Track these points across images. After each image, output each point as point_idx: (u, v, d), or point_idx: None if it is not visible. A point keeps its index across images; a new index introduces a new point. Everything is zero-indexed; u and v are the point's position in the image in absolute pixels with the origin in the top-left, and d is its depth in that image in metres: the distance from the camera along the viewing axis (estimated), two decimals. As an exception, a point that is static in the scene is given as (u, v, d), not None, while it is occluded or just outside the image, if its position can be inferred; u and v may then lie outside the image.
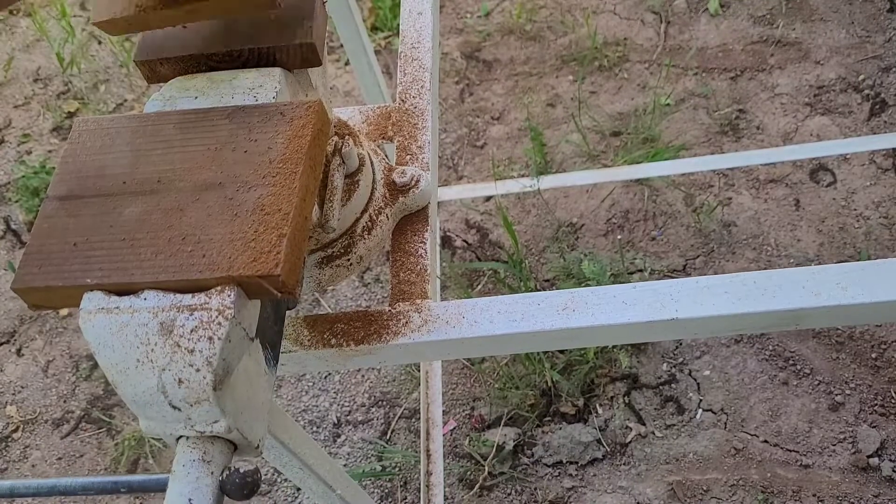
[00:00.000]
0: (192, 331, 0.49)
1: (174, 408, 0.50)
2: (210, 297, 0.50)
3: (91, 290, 0.51)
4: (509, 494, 1.67)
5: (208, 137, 0.57)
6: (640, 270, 1.93)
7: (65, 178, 0.57)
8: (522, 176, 2.13)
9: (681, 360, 1.79)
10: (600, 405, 1.76)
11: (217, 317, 0.49)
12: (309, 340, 0.70)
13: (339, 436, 1.81)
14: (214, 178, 0.55)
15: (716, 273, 1.85)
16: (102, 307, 0.50)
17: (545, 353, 1.78)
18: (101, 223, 0.54)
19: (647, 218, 2.02)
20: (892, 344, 1.75)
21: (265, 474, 1.77)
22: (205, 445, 0.51)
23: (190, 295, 0.50)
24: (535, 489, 1.67)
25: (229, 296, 0.49)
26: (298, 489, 1.75)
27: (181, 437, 0.52)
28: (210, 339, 0.49)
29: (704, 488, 1.63)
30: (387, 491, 1.73)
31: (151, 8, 0.63)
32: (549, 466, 1.69)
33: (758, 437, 1.67)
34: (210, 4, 0.63)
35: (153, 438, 1.81)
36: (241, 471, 0.49)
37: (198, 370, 0.49)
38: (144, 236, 0.52)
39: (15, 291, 0.52)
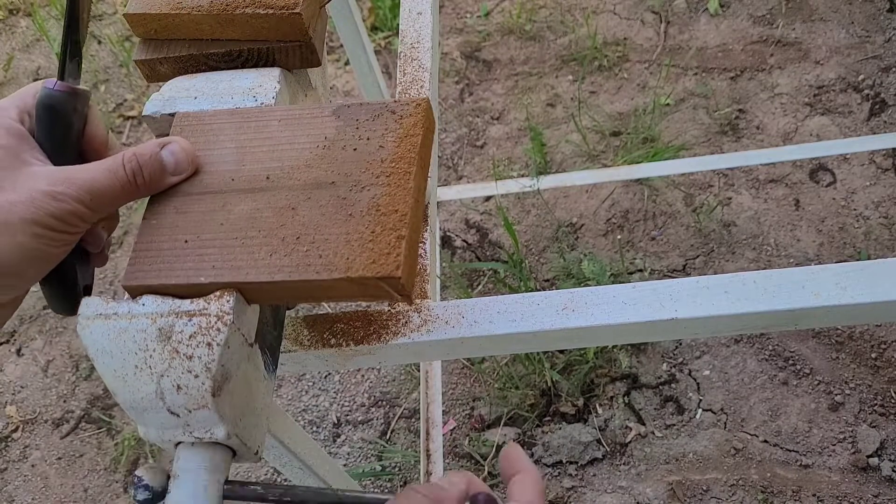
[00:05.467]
0: (190, 336, 0.48)
1: (173, 414, 0.49)
2: (209, 303, 0.49)
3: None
4: (509, 494, 1.67)
5: (316, 135, 0.56)
6: (640, 270, 1.93)
7: None
8: (522, 176, 2.13)
9: (681, 360, 1.79)
10: (600, 405, 1.75)
11: (216, 322, 0.49)
12: (308, 340, 0.70)
13: (339, 436, 1.81)
14: (325, 176, 0.54)
15: (716, 273, 1.85)
16: (100, 313, 0.50)
17: (545, 353, 1.78)
18: (210, 220, 0.53)
19: (647, 218, 2.02)
20: (892, 344, 1.75)
21: (265, 474, 1.77)
22: (203, 452, 0.51)
23: (189, 300, 0.50)
24: (535, 489, 1.67)
25: (228, 301, 0.49)
26: (298, 489, 1.75)
27: (179, 443, 0.51)
28: (209, 344, 0.48)
29: (704, 488, 1.62)
30: (387, 491, 1.72)
31: (187, 13, 0.63)
32: (548, 466, 1.69)
33: (758, 437, 1.67)
34: (243, 31, 0.63)
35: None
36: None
37: (196, 376, 0.48)
38: (257, 234, 0.52)
39: (126, 289, 0.51)
